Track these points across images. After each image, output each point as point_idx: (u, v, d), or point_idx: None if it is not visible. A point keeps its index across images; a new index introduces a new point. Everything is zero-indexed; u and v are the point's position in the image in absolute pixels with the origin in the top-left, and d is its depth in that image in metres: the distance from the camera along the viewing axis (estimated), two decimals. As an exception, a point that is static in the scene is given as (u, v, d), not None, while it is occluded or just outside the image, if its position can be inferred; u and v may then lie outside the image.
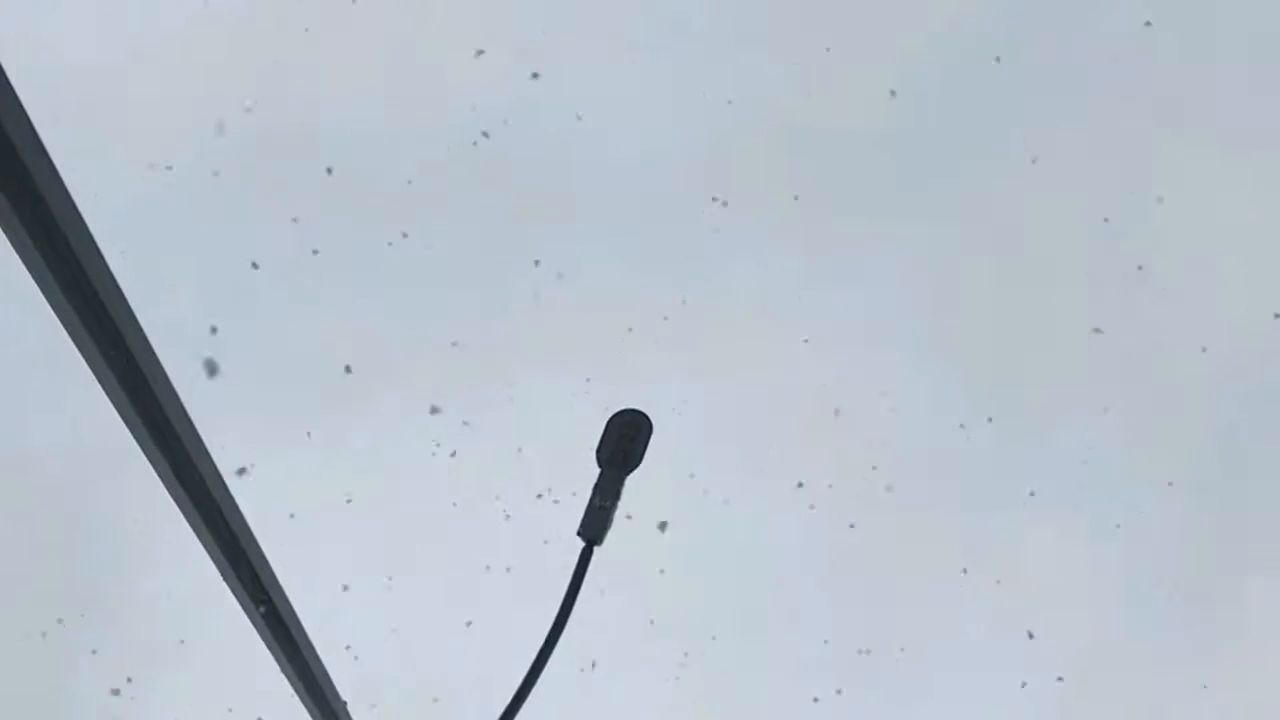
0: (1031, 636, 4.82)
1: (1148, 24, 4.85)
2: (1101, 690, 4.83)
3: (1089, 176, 5.02)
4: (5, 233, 1.32)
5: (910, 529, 4.90)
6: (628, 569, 4.16)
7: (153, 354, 1.53)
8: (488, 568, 4.82)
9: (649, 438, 3.61)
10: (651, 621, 4.82)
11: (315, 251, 4.82)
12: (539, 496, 4.79)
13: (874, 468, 4.82)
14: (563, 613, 3.51)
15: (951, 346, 4.91)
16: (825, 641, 4.80)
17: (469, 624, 4.75)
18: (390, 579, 4.76)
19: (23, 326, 4.31)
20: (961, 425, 4.84)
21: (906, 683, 4.80)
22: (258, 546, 2.19)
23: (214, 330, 4.68)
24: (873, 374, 4.89)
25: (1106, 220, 4.91)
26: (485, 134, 4.86)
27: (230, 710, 4.71)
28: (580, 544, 3.50)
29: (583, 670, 4.60)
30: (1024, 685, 4.79)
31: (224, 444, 2.07)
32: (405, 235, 4.78)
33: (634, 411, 3.66)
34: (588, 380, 4.78)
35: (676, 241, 4.93)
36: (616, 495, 3.55)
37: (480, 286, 4.89)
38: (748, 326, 4.93)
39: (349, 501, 4.80)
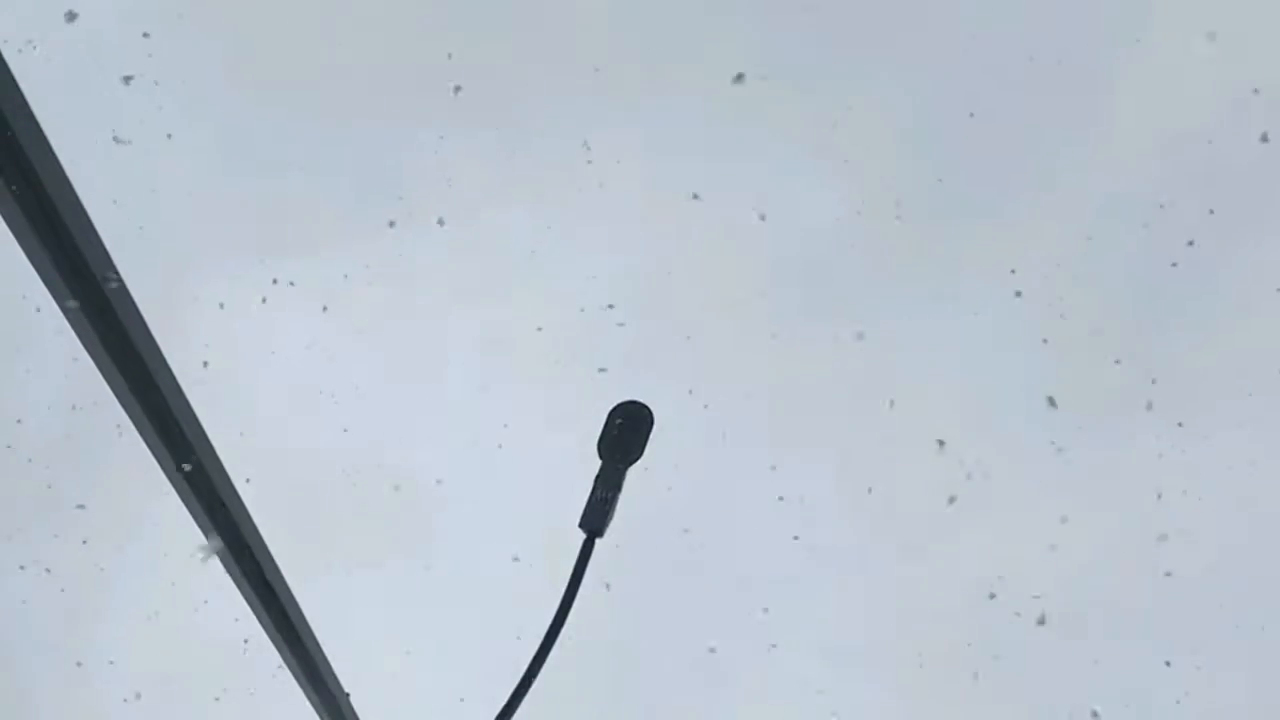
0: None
1: None
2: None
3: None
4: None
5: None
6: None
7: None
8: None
9: (650, 429, 3.62)
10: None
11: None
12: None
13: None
14: (564, 605, 3.51)
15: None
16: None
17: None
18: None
19: None
20: None
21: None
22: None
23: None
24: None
25: None
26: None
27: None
28: (581, 536, 3.51)
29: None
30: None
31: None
32: None
33: (635, 403, 3.66)
34: None
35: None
36: (618, 487, 3.56)
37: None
38: None
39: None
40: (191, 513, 1.93)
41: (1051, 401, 4.85)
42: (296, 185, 4.75)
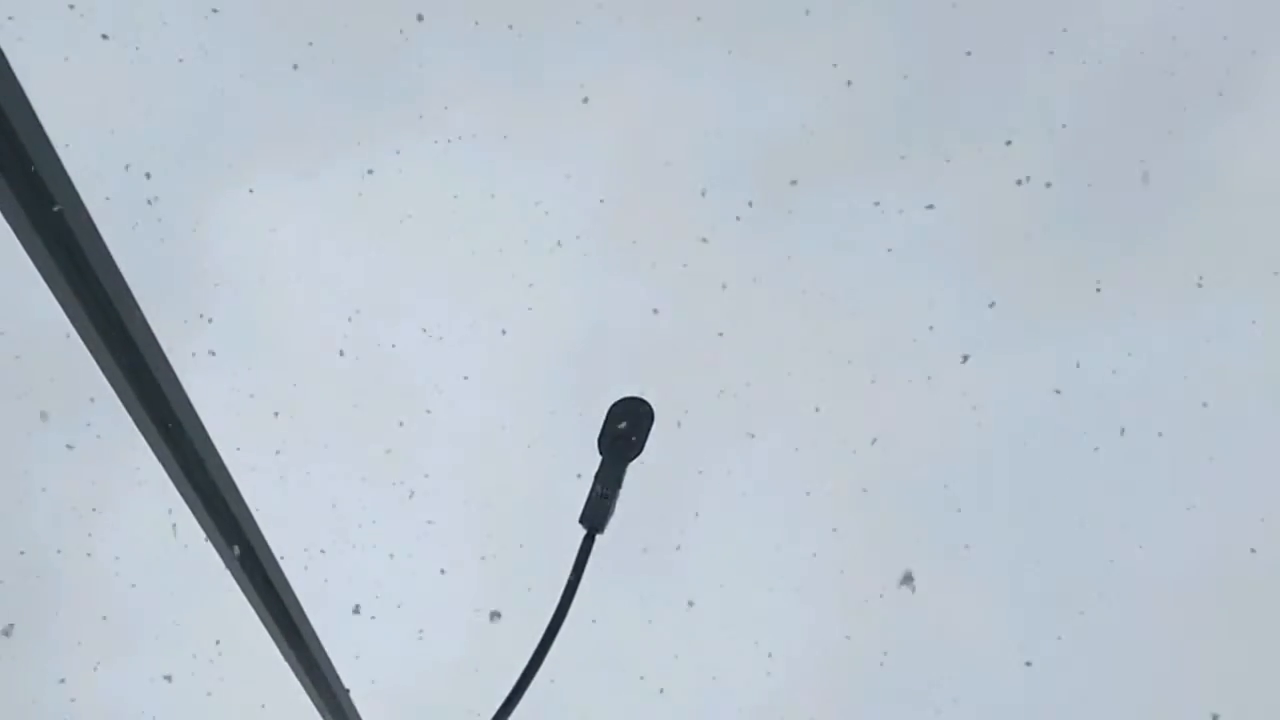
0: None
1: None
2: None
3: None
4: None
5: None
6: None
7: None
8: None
9: (650, 425, 3.63)
10: None
11: None
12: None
13: None
14: (564, 602, 3.52)
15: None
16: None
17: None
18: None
19: None
20: None
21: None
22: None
23: None
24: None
25: None
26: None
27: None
28: (581, 532, 3.52)
29: None
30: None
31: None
32: None
33: (635, 399, 3.68)
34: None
35: None
36: (618, 484, 3.57)
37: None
38: None
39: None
40: (178, 489, 1.91)
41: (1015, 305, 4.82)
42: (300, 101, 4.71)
